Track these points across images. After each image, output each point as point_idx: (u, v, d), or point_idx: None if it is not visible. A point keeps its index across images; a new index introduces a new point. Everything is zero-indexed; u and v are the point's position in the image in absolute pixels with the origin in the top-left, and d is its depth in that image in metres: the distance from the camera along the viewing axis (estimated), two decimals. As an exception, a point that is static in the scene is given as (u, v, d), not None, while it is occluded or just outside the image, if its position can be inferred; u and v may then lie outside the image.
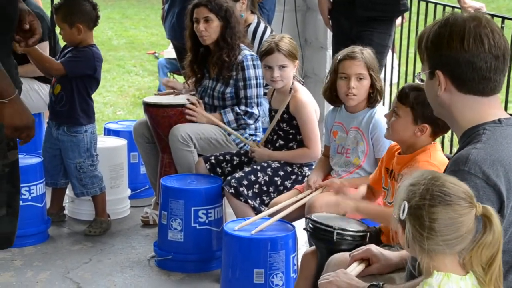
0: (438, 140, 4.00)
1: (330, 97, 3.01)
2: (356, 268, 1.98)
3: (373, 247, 2.02)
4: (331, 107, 3.16)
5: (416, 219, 1.47)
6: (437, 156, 2.38)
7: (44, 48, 3.85)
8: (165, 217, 3.26)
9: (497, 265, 1.50)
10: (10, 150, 2.12)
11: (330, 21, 4.19)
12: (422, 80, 1.82)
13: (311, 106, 3.24)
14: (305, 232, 2.51)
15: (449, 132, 2.67)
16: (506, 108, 3.75)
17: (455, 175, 1.58)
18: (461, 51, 1.69)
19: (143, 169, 4.07)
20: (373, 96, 2.91)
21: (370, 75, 2.88)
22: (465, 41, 1.69)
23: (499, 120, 1.73)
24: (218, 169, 3.40)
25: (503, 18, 3.72)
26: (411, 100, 2.35)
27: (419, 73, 1.84)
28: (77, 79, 3.57)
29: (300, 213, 2.93)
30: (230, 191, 3.13)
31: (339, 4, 4.08)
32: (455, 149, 4.20)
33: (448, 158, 2.30)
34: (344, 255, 2.10)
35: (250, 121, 3.54)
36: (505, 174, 1.64)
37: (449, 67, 1.71)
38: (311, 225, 2.33)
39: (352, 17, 3.98)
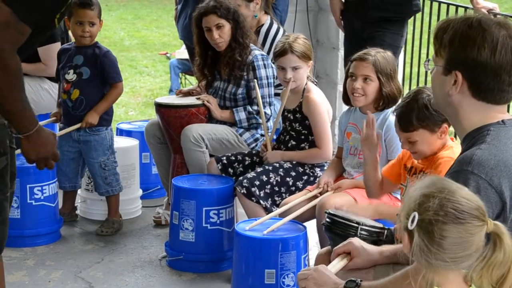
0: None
1: (344, 97, 3.02)
2: (337, 264, 1.98)
3: (355, 241, 2.02)
4: (344, 108, 3.16)
5: (426, 233, 1.45)
6: (458, 151, 2.37)
7: (55, 49, 3.87)
8: (176, 217, 3.27)
9: (509, 285, 1.46)
10: (0, 157, 2.08)
11: (342, 21, 4.18)
12: (429, 69, 1.79)
13: (324, 107, 3.24)
14: (316, 232, 2.52)
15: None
16: (509, 111, 3.73)
17: (459, 176, 1.57)
18: (490, 60, 1.67)
19: (154, 169, 4.08)
20: (379, 100, 2.90)
21: (379, 78, 2.87)
22: (497, 51, 1.67)
23: (502, 121, 1.73)
24: (230, 169, 3.41)
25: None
26: (416, 123, 2.35)
27: (428, 59, 1.80)
28: (99, 82, 3.59)
29: (311, 213, 2.93)
30: (242, 191, 3.13)
31: (351, 4, 4.08)
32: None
33: None
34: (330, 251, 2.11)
35: (264, 119, 3.54)
36: (509, 175, 1.63)
37: (472, 72, 1.69)
38: (329, 219, 2.31)
39: (364, 18, 3.97)
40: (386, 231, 2.29)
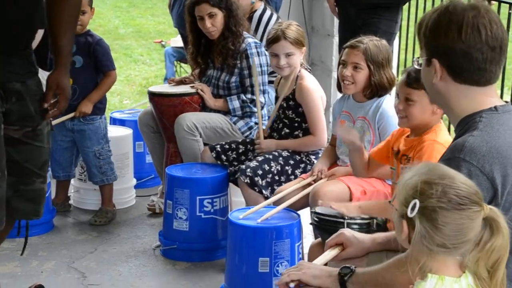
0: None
1: (338, 84, 3.00)
2: (329, 254, 1.98)
3: (346, 231, 2.02)
4: (338, 95, 3.14)
5: (429, 220, 1.45)
6: (443, 135, 2.37)
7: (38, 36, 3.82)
8: (170, 206, 3.25)
9: (503, 267, 1.48)
10: None
11: (337, 8, 4.16)
12: (420, 65, 1.81)
13: (317, 94, 3.22)
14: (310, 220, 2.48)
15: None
16: (502, 97, 3.72)
17: (451, 163, 1.57)
18: (458, 41, 1.68)
19: (148, 158, 4.07)
20: (369, 88, 2.88)
21: (369, 67, 2.85)
22: (463, 31, 1.67)
23: (495, 107, 1.72)
24: (223, 157, 3.39)
25: (511, 4, 3.67)
26: (422, 82, 2.32)
27: (417, 58, 1.83)
28: (92, 71, 3.56)
29: (305, 201, 2.92)
30: (246, 180, 3.11)
31: None
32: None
33: None
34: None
35: (256, 109, 3.52)
36: (501, 161, 1.63)
37: (445, 56, 1.70)
38: (316, 218, 2.32)
39: (358, 4, 3.95)
40: (374, 220, 2.28)
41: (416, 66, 1.84)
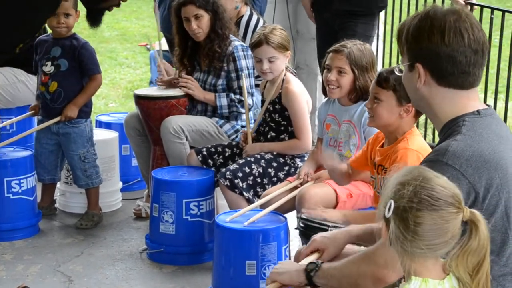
0: (421, 129, 4.01)
1: (323, 89, 3.02)
2: (307, 260, 1.99)
3: (317, 237, 2.03)
4: (324, 99, 3.15)
5: (401, 221, 1.45)
6: (415, 141, 2.38)
7: None
8: (156, 209, 3.24)
9: (484, 272, 1.47)
10: None
11: (313, 13, 4.20)
12: (401, 71, 1.82)
13: (303, 97, 3.23)
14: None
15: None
16: (485, 101, 3.77)
17: (433, 165, 1.58)
18: (441, 45, 1.69)
19: (134, 162, 4.05)
20: (354, 92, 2.89)
21: (353, 71, 2.86)
22: (446, 35, 1.69)
23: (477, 111, 1.73)
24: (209, 160, 3.39)
25: (492, 9, 3.72)
26: (392, 82, 2.35)
27: (398, 65, 1.85)
28: (77, 74, 3.54)
29: (291, 204, 2.93)
30: (225, 183, 3.11)
31: None
32: (428, 135, 4.25)
33: (431, 147, 2.30)
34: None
35: (243, 110, 3.53)
36: (484, 165, 1.64)
37: (429, 60, 1.72)
38: (302, 224, 2.33)
39: (333, 10, 4.00)
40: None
41: (397, 73, 1.86)
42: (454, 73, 1.71)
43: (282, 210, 2.94)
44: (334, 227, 2.26)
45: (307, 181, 2.97)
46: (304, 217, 2.35)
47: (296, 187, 2.98)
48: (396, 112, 2.38)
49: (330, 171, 2.65)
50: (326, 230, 2.24)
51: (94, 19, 2.21)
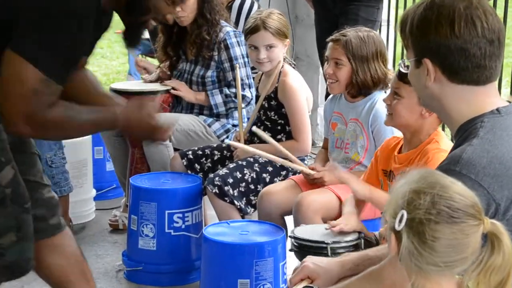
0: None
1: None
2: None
3: (309, 263, 2.04)
4: (330, 95, 3.15)
5: (416, 235, 1.43)
6: (446, 142, 2.37)
7: None
8: (135, 222, 3.23)
9: None
10: (4, 168, 2.13)
11: None
12: (407, 68, 1.81)
13: (302, 93, 3.23)
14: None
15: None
16: (499, 91, 3.78)
17: (446, 175, 1.55)
18: (451, 37, 1.68)
19: (109, 166, 4.05)
20: (349, 87, 2.89)
21: (350, 63, 2.86)
22: (456, 25, 1.68)
23: (497, 109, 1.72)
24: (196, 165, 3.38)
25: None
26: None
27: (403, 59, 1.84)
28: None
29: (289, 205, 2.91)
30: (214, 190, 3.11)
31: None
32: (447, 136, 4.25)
33: None
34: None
35: (242, 105, 3.52)
36: (505, 172, 1.63)
37: (438, 55, 1.70)
38: (296, 243, 2.31)
39: None
40: (361, 239, 2.28)
41: (402, 70, 1.85)
42: (468, 67, 1.69)
43: (283, 208, 2.92)
44: (334, 242, 2.24)
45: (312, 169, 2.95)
46: (297, 234, 2.32)
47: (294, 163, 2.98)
48: (418, 111, 2.37)
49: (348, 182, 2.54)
50: (325, 248, 2.23)
51: (134, 36, 2.25)
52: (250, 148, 3.15)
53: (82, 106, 2.13)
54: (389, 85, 2.57)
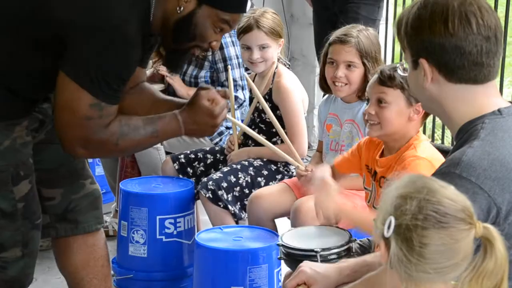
0: (426, 132, 4.01)
1: (321, 84, 3.01)
2: None
3: (306, 268, 2.03)
4: (324, 96, 3.15)
5: (404, 241, 1.43)
6: (425, 149, 2.34)
7: None
8: (125, 228, 3.22)
9: None
10: (20, 182, 2.16)
11: None
12: (405, 70, 1.82)
13: (297, 95, 3.23)
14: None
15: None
16: (501, 92, 3.79)
17: (445, 178, 1.55)
18: (445, 35, 1.68)
19: (99, 170, 4.04)
20: (364, 89, 2.85)
21: (364, 64, 2.85)
22: (449, 22, 1.68)
23: (499, 110, 1.72)
24: (188, 169, 3.38)
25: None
26: (399, 79, 2.30)
27: (401, 62, 1.84)
28: None
29: (287, 207, 2.91)
30: (207, 195, 3.10)
31: None
32: (446, 138, 4.27)
33: (442, 150, 2.28)
34: None
35: (235, 106, 3.52)
36: (507, 175, 1.63)
37: (434, 54, 1.71)
38: (284, 251, 2.30)
39: None
40: (352, 244, 2.27)
41: (401, 73, 1.85)
42: (464, 65, 1.70)
43: (274, 212, 2.94)
44: (324, 249, 2.23)
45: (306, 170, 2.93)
46: (286, 242, 2.31)
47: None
48: (406, 115, 2.35)
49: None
50: (314, 256, 2.22)
51: (176, 61, 2.28)
52: (250, 131, 3.12)
53: (141, 118, 2.15)
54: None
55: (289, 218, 2.95)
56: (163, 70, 3.65)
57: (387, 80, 2.33)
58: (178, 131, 2.18)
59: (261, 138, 3.04)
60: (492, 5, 3.50)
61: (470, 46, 1.68)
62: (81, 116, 2.02)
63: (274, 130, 3.28)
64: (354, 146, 2.58)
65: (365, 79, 2.86)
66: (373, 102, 2.38)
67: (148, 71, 3.85)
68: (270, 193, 3.02)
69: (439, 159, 2.23)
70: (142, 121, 2.14)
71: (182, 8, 2.10)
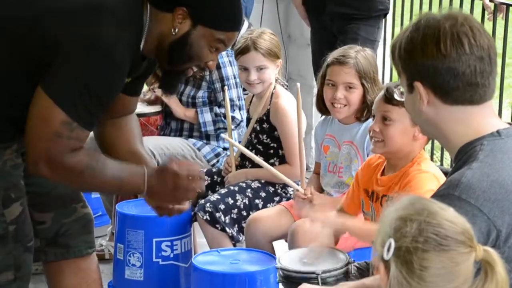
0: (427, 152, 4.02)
1: (319, 105, 3.01)
2: None
3: None
4: (321, 117, 3.15)
5: (404, 264, 1.43)
6: (428, 164, 2.37)
7: None
8: (121, 250, 3.21)
9: None
10: (11, 204, 2.15)
11: (308, 15, 4.24)
12: (402, 94, 1.82)
13: (294, 115, 3.22)
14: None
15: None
16: (500, 113, 3.80)
17: (444, 200, 1.56)
18: (438, 57, 1.69)
19: (95, 192, 4.02)
20: (363, 110, 2.89)
21: (363, 85, 2.86)
22: (442, 44, 1.68)
23: (497, 131, 1.72)
24: (185, 191, 3.36)
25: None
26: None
27: (398, 86, 1.84)
28: None
29: (284, 230, 2.90)
30: (205, 217, 3.10)
31: None
32: (445, 160, 4.27)
33: (445, 173, 2.29)
34: None
35: (232, 126, 3.52)
36: (506, 197, 1.63)
37: (428, 76, 1.71)
38: (283, 274, 2.30)
39: (331, 13, 4.06)
40: (351, 265, 2.27)
41: (397, 97, 1.85)
42: (459, 86, 1.70)
43: (271, 235, 2.93)
44: (324, 272, 2.23)
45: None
46: (284, 265, 2.31)
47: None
48: (410, 133, 2.37)
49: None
50: (315, 279, 2.21)
51: (172, 82, 2.27)
52: (247, 152, 3.12)
53: (112, 160, 2.12)
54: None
55: (286, 240, 2.95)
56: (158, 91, 3.66)
57: (393, 97, 2.35)
58: (142, 186, 2.13)
59: (259, 159, 3.05)
60: (490, 31, 3.54)
61: (464, 66, 1.69)
62: (52, 130, 1.99)
63: (271, 151, 3.29)
64: (354, 180, 2.61)
65: (363, 100, 2.87)
66: (378, 119, 2.41)
67: (147, 94, 3.86)
68: (268, 216, 3.02)
69: (442, 176, 2.24)
70: (111, 163, 2.11)
71: (177, 30, 2.09)
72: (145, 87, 3.93)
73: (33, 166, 2.05)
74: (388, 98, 2.37)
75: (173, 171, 2.15)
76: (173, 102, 3.65)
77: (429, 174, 2.31)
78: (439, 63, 1.68)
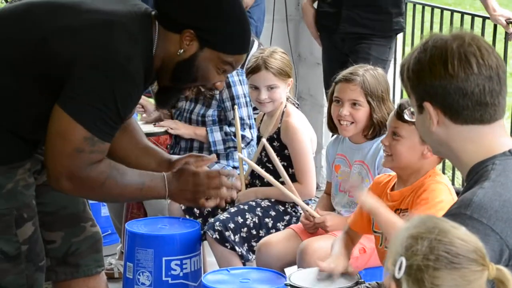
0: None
1: (329, 123, 3.04)
2: None
3: None
4: (332, 137, 3.17)
5: (415, 282, 1.43)
6: (442, 177, 2.41)
7: None
8: (130, 269, 3.21)
9: None
10: (24, 224, 2.17)
11: (319, 33, 4.26)
12: (413, 115, 1.85)
13: (305, 134, 3.24)
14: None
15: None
16: None
17: (456, 219, 1.56)
18: (446, 77, 1.71)
19: (104, 211, 4.04)
20: (370, 128, 2.90)
21: (369, 102, 2.88)
22: (449, 64, 1.70)
23: (509, 151, 1.73)
24: (195, 209, 3.38)
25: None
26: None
27: (409, 108, 1.86)
28: None
29: (292, 256, 2.90)
30: (214, 236, 3.11)
31: (323, 15, 4.15)
32: (457, 179, 4.27)
33: (457, 192, 2.30)
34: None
35: (242, 145, 3.54)
36: None
37: (437, 97, 1.73)
38: None
39: (343, 33, 4.07)
40: (361, 285, 2.28)
41: (408, 118, 1.87)
42: (469, 106, 1.71)
43: (283, 259, 2.93)
44: None
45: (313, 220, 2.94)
46: (294, 283, 2.31)
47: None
48: (419, 151, 2.40)
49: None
50: None
51: (168, 99, 2.30)
52: (258, 169, 3.13)
53: (129, 168, 2.15)
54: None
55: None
56: (165, 124, 3.68)
57: (403, 116, 2.38)
58: (163, 189, 2.16)
59: (269, 177, 3.05)
60: (502, 50, 3.54)
61: (472, 86, 1.70)
62: (72, 147, 2.02)
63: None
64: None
65: (370, 118, 2.89)
66: (389, 134, 2.45)
67: (154, 114, 3.88)
68: (279, 241, 3.00)
69: (454, 191, 2.27)
70: (131, 170, 2.14)
71: (182, 51, 2.12)
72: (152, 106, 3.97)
73: (55, 182, 2.08)
74: (400, 114, 2.40)
75: (191, 171, 2.18)
76: (180, 129, 3.65)
77: (443, 185, 2.34)
78: (447, 83, 1.70)
